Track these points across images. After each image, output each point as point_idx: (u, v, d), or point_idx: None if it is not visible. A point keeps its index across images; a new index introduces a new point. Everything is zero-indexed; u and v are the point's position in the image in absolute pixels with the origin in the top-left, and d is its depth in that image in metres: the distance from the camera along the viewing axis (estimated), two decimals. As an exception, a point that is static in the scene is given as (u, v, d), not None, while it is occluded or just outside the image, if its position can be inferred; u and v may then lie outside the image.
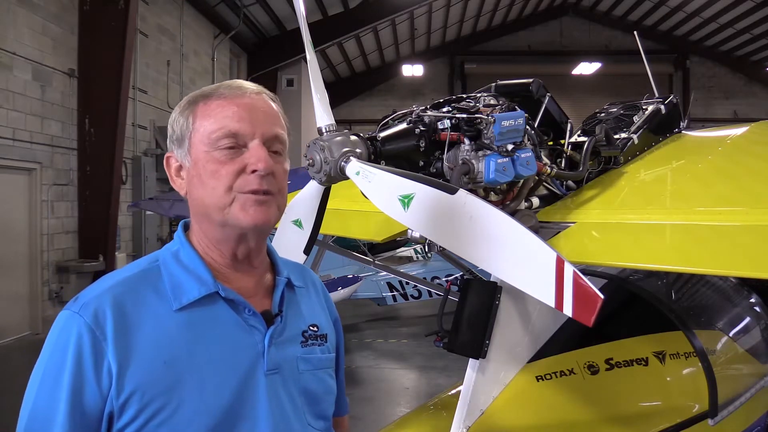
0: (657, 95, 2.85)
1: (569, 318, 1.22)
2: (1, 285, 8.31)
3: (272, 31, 16.70)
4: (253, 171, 1.16)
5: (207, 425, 1.11)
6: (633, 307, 2.58)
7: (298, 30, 1.68)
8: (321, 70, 1.70)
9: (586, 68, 21.17)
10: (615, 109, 2.70)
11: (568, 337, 2.27)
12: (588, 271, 2.28)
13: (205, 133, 1.18)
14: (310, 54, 1.67)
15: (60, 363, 1.09)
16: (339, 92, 20.81)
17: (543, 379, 2.17)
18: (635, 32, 5.06)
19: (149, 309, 1.15)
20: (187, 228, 1.29)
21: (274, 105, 1.25)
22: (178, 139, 1.23)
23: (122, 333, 1.10)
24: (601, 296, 1.16)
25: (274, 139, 1.21)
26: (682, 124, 2.80)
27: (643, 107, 2.65)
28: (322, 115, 1.64)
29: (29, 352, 7.97)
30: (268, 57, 16.79)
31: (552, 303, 1.24)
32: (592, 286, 1.18)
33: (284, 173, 1.24)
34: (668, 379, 2.43)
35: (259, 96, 1.23)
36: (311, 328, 1.31)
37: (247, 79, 2.48)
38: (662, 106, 2.64)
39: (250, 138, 1.18)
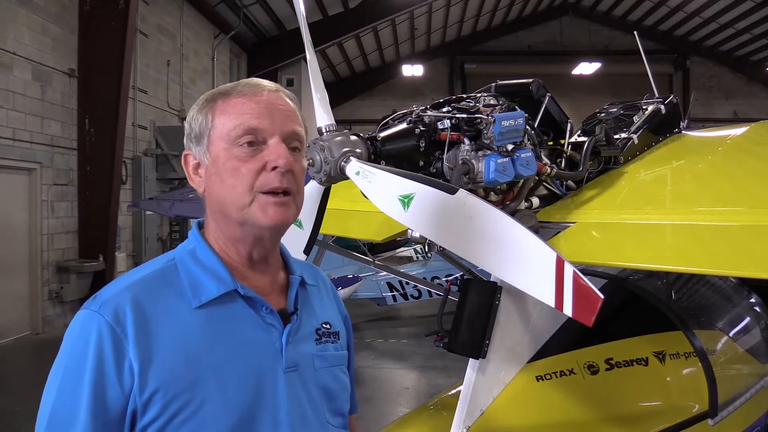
0: (657, 95, 2.85)
1: (569, 318, 1.22)
2: (1, 285, 8.31)
3: (272, 31, 16.70)
4: (274, 168, 1.16)
5: (229, 423, 1.11)
6: (633, 307, 2.58)
7: (298, 30, 1.68)
8: (321, 70, 1.70)
9: (586, 68, 21.17)
10: (615, 109, 2.69)
11: (568, 337, 2.27)
12: (588, 271, 2.28)
13: (224, 130, 1.18)
14: (310, 54, 1.67)
15: (81, 362, 1.08)
16: (339, 92, 20.81)
17: (543, 379, 2.17)
18: (635, 32, 5.06)
19: (168, 307, 1.15)
20: (201, 227, 1.29)
21: (291, 103, 1.25)
22: (196, 136, 1.22)
23: (143, 331, 1.10)
24: (601, 296, 1.17)
25: (292, 135, 1.21)
26: (682, 124, 2.80)
27: (643, 107, 2.64)
28: (322, 115, 1.64)
29: (29, 353, 8.00)
30: (268, 57, 16.78)
31: (552, 303, 1.24)
32: (592, 286, 1.18)
33: (302, 171, 1.24)
34: (668, 379, 2.43)
35: (277, 93, 1.23)
36: (324, 325, 1.32)
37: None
38: (662, 106, 2.64)
39: (270, 135, 1.18)
